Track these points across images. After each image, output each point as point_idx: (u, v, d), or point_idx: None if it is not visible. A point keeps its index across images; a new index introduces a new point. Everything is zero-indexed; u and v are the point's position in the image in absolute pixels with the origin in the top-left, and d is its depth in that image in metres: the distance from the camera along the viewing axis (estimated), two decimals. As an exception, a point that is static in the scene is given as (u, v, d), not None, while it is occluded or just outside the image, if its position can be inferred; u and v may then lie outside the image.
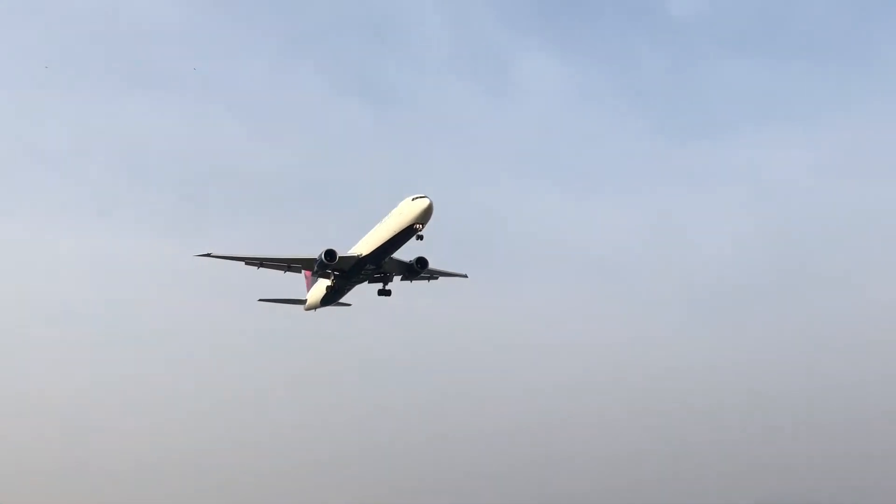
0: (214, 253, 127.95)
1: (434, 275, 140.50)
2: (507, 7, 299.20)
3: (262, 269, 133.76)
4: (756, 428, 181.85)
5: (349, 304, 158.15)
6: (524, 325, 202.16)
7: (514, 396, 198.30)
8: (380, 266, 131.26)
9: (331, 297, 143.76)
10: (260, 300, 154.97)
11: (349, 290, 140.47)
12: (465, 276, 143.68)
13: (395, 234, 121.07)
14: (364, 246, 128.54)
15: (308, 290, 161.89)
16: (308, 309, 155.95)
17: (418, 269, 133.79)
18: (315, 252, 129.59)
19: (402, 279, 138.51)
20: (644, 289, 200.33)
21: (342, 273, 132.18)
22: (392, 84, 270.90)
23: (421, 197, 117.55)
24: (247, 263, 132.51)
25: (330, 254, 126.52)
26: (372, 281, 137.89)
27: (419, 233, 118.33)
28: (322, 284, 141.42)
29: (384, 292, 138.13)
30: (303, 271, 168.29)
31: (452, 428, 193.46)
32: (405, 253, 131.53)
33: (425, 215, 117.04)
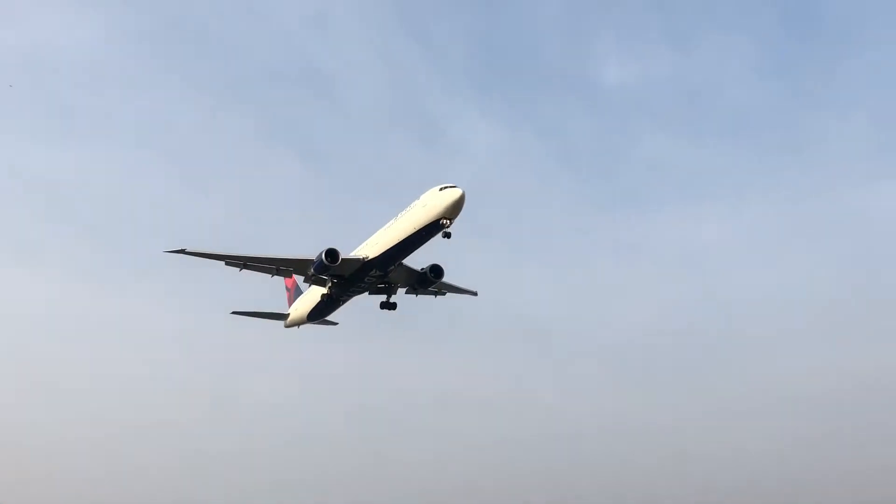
0: (189, 249, 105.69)
1: (443, 289, 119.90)
2: (445, 70, 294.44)
3: (244, 272, 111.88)
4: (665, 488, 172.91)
5: (336, 323, 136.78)
6: (453, 382, 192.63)
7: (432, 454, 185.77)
8: (387, 273, 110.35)
9: (322, 311, 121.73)
10: (234, 313, 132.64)
11: (345, 302, 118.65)
12: (475, 294, 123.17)
13: (415, 230, 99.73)
14: (372, 247, 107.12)
15: (290, 303, 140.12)
16: (290, 325, 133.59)
17: (431, 280, 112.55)
18: (311, 253, 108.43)
19: (406, 291, 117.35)
20: (566, 352, 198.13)
21: (341, 279, 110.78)
22: (327, 138, 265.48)
23: (451, 186, 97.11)
24: (227, 264, 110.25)
25: (331, 254, 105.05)
26: (373, 292, 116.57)
27: (446, 229, 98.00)
28: (315, 293, 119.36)
29: (388, 305, 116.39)
30: (285, 280, 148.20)
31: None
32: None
33: (456, 208, 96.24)
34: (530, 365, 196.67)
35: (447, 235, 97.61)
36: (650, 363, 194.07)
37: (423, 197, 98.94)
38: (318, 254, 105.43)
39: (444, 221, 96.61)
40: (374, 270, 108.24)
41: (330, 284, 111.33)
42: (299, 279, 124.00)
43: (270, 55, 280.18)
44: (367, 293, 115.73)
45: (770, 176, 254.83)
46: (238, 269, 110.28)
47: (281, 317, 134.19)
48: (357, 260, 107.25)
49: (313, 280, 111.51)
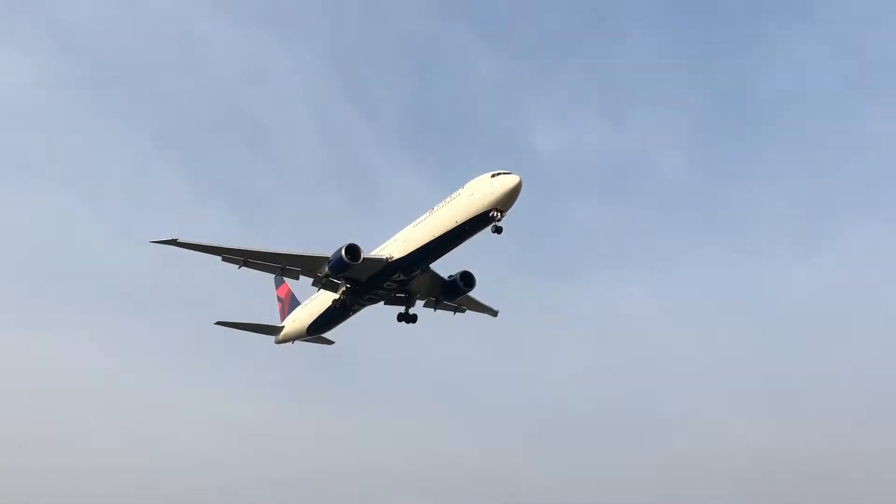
0: (181, 240, 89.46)
1: (465, 305, 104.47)
2: (380, 128, 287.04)
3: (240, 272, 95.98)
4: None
5: (332, 342, 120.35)
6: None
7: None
8: (410, 279, 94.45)
9: (327, 322, 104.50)
10: (218, 323, 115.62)
11: (356, 312, 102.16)
12: (496, 314, 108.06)
13: (457, 224, 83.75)
14: (399, 245, 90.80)
15: (284, 316, 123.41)
16: (283, 341, 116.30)
17: (462, 290, 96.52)
18: (326, 250, 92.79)
19: (425, 304, 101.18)
20: (485, 416, 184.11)
21: (356, 284, 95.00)
22: (259, 190, 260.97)
23: (506, 173, 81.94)
24: (225, 259, 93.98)
25: (352, 251, 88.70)
26: (390, 301, 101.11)
27: (498, 222, 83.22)
28: (321, 301, 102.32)
29: (407, 318, 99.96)
30: (277, 290, 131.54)
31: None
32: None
33: (511, 197, 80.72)
34: (441, 427, 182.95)
35: (498, 230, 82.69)
36: (564, 429, 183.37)
37: (468, 186, 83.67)
38: (335, 250, 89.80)
39: (496, 213, 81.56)
40: (397, 274, 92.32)
41: (343, 289, 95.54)
42: (294, 285, 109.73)
43: (208, 106, 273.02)
44: (382, 302, 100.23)
45: (694, 247, 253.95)
46: (237, 266, 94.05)
47: (273, 330, 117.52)
48: (379, 260, 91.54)
49: (323, 283, 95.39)
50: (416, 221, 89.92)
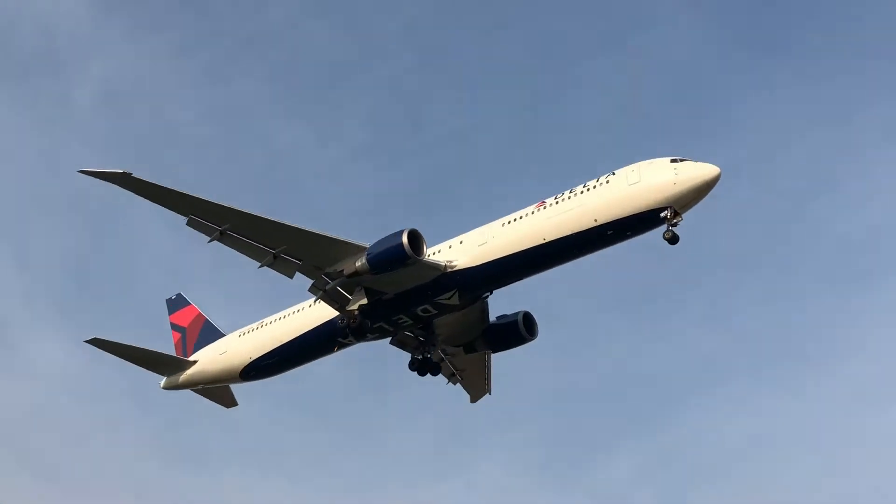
0: (136, 175, 54.88)
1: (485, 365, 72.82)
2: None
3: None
4: None
5: (235, 404, 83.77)
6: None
7: None
8: (464, 304, 62.71)
9: (301, 354, 68.85)
10: (91, 342, 76.55)
11: (346, 346, 69.00)
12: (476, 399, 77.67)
13: (602, 223, 54.76)
14: (468, 249, 59.85)
15: (190, 346, 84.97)
16: (179, 385, 79.18)
17: (524, 337, 65.37)
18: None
19: (442, 354, 68.79)
20: None
21: (377, 300, 63.00)
22: None
23: (685, 160, 54.18)
24: (193, 221, 59.17)
25: (414, 237, 57.23)
26: (399, 340, 68.43)
27: (673, 227, 55.13)
28: (300, 320, 67.44)
29: (427, 366, 67.00)
30: (172, 317, 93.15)
31: None
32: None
33: (700, 194, 52.97)
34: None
35: (674, 239, 55.82)
36: None
37: (623, 172, 54.91)
38: (381, 238, 58.23)
39: (668, 213, 55.17)
40: (446, 295, 61.27)
41: (362, 302, 62.80)
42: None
43: None
44: (394, 336, 67.60)
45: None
46: (208, 236, 59.70)
47: (169, 366, 79.77)
48: (434, 267, 60.61)
49: (328, 291, 62.52)
50: (507, 218, 60.74)
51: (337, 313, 64.20)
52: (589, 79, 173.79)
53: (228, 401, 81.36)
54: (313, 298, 66.20)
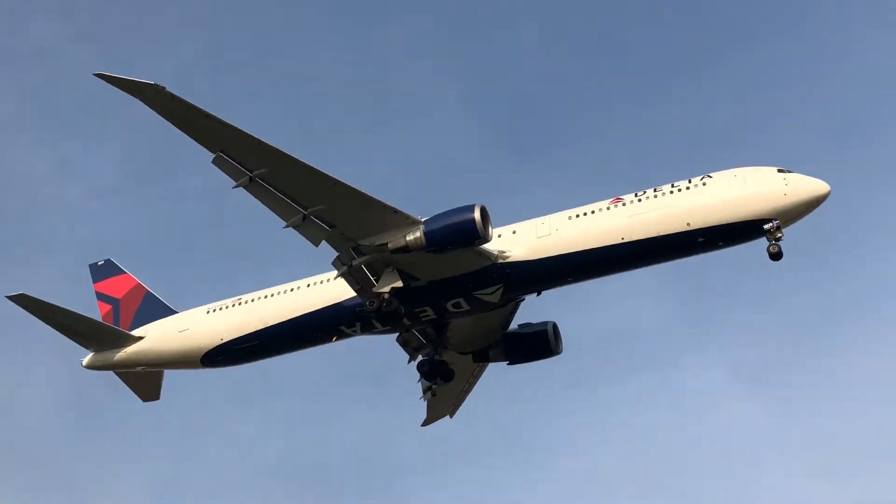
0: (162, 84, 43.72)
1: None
2: None
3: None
4: None
5: (157, 398, 71.06)
6: None
7: None
8: (505, 302, 55.17)
9: (295, 339, 58.38)
10: (14, 298, 62.32)
11: (350, 336, 58.67)
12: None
13: (696, 227, 49.19)
14: (525, 240, 52.95)
15: (126, 317, 72.06)
16: (110, 365, 65.45)
17: (551, 349, 58.24)
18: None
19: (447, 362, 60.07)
20: None
21: (409, 284, 53.37)
22: None
23: (796, 172, 49.30)
24: (218, 159, 48.82)
25: (484, 215, 48.79)
26: (402, 340, 59.89)
27: (775, 241, 49.19)
28: (313, 297, 57.36)
29: (439, 369, 59.23)
30: (100, 280, 79.20)
31: None
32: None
33: (808, 209, 48.66)
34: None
35: (777, 256, 50.59)
36: None
37: (725, 176, 49.90)
38: (456, 209, 49.01)
39: (772, 225, 49.30)
40: (489, 289, 53.53)
41: (396, 284, 53.64)
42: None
43: None
44: (406, 332, 59.39)
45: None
46: (235, 180, 49.41)
47: (107, 340, 66.67)
48: (486, 255, 52.85)
49: (355, 269, 53.18)
50: (574, 211, 54.09)
51: (353, 294, 55.46)
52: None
53: (152, 392, 69.25)
54: (306, 279, 58.36)
